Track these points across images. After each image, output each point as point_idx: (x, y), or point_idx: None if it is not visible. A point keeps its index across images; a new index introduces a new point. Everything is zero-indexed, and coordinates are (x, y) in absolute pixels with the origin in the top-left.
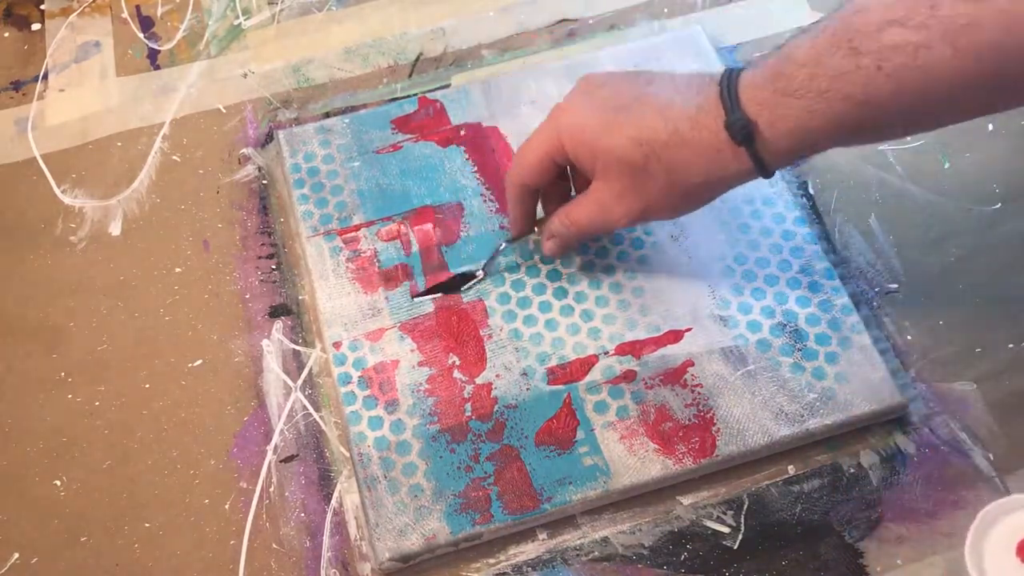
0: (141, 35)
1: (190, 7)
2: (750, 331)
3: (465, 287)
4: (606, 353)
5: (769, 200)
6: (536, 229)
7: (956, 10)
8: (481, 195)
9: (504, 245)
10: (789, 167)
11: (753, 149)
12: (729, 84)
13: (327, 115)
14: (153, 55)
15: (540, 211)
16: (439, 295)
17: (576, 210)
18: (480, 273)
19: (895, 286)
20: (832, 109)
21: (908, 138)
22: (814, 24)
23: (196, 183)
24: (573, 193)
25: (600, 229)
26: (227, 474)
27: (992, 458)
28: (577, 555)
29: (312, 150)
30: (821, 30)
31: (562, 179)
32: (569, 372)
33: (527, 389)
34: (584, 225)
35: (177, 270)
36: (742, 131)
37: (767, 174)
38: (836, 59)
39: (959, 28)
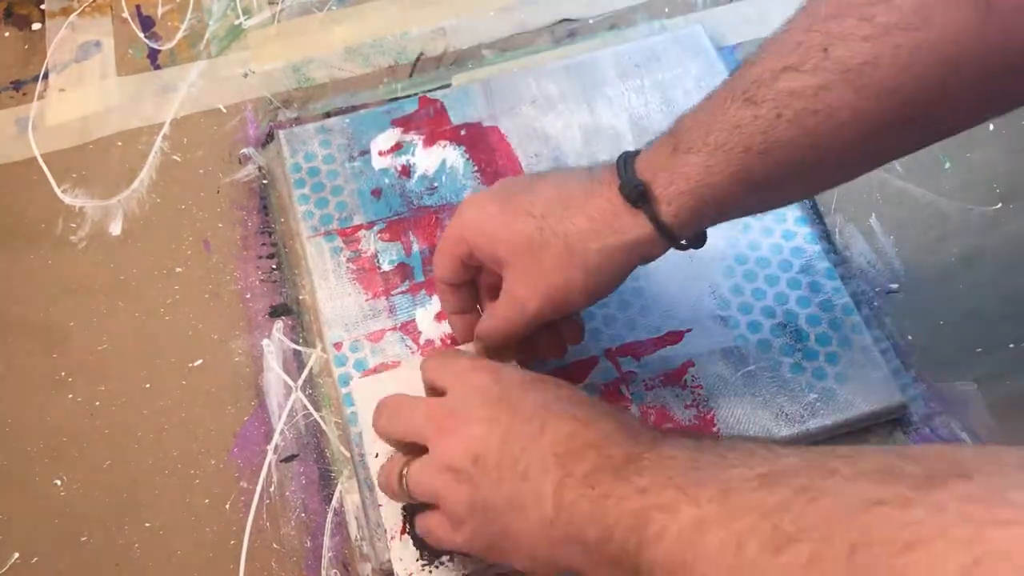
0: (141, 35)
1: (190, 7)
2: (751, 331)
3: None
4: (606, 354)
5: None
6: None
7: (851, 50)
8: None
9: None
10: None
11: (651, 211)
12: (626, 158)
13: (327, 115)
14: (153, 55)
15: None
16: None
17: (493, 308)
18: None
19: (895, 286)
20: (732, 162)
21: None
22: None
23: (196, 183)
24: None
25: (518, 321)
26: (227, 474)
27: None
28: None
29: (313, 150)
30: (714, 93)
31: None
32: (569, 374)
33: None
34: (499, 321)
35: (177, 270)
36: (635, 191)
37: (674, 240)
38: (731, 112)
39: (857, 68)
